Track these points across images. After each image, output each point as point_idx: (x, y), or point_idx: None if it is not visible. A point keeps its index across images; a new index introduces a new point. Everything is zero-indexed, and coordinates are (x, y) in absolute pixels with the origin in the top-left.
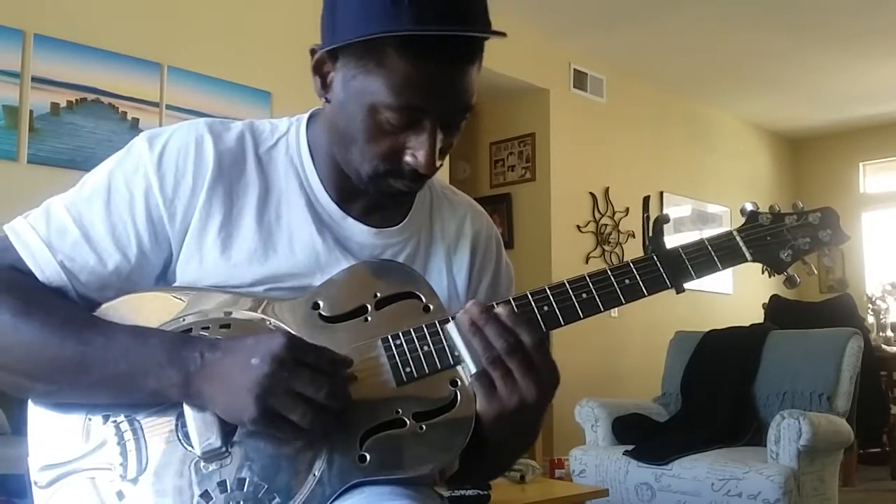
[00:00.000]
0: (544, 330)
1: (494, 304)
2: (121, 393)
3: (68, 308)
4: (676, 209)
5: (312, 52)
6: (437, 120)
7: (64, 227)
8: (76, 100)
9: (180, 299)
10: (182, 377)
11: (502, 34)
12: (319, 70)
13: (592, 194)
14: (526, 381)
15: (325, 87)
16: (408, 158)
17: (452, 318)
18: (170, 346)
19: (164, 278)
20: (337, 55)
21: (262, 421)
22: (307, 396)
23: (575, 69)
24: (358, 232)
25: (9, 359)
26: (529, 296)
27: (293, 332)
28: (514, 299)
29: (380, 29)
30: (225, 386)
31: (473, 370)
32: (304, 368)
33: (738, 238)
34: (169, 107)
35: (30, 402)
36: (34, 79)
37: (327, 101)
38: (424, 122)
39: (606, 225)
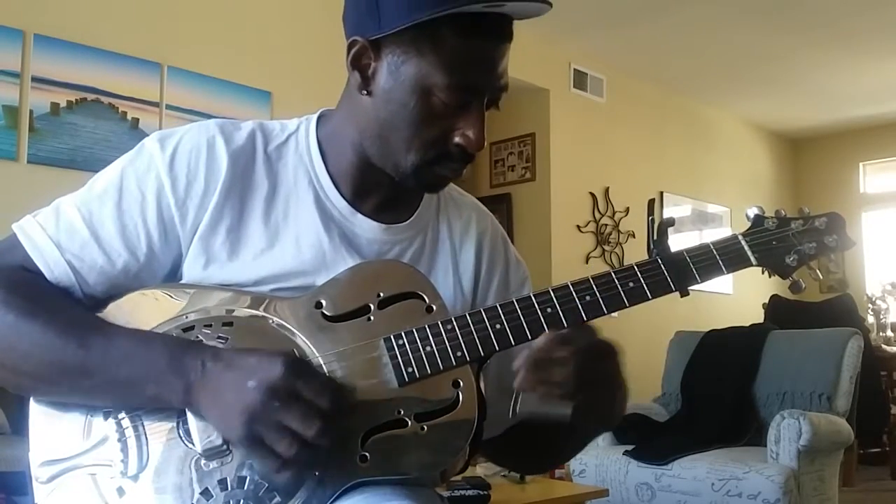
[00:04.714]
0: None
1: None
2: (120, 398)
3: (73, 310)
4: (676, 209)
5: (352, 44)
6: (484, 99)
7: (73, 227)
8: (76, 100)
9: (183, 297)
10: (183, 385)
11: (550, 5)
12: (358, 63)
13: (592, 194)
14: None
15: (365, 80)
16: (457, 140)
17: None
18: (172, 352)
19: (173, 277)
20: (380, 45)
21: (247, 444)
22: (294, 431)
23: (575, 69)
24: (367, 228)
25: (11, 359)
26: (533, 298)
27: (298, 358)
28: (516, 301)
29: (432, 11)
30: (219, 401)
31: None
32: (298, 403)
33: (743, 242)
34: (169, 107)
35: (31, 398)
36: (34, 79)
37: (368, 94)
38: (473, 102)
39: (606, 225)
